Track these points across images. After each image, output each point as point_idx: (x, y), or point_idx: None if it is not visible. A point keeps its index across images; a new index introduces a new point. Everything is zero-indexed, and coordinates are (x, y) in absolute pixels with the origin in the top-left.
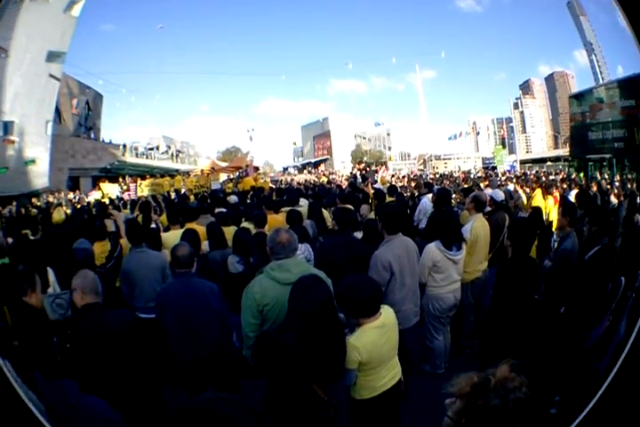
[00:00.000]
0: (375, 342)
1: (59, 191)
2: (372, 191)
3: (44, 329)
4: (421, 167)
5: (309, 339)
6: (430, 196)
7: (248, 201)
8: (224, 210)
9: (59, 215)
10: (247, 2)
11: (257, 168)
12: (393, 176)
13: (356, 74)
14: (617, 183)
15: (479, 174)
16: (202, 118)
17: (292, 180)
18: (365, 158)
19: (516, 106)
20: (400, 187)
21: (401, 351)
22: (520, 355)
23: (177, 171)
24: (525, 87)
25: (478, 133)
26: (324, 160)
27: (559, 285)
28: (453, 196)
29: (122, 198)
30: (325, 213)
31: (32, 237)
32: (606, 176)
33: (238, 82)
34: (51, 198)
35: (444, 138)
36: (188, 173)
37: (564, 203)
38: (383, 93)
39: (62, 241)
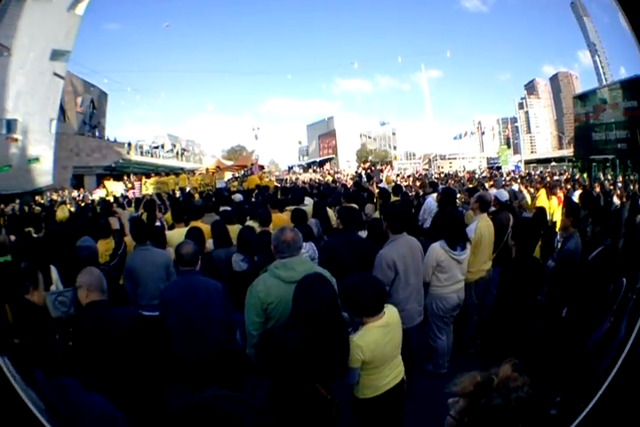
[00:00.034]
0: (378, 341)
1: (63, 189)
2: (376, 190)
3: (46, 327)
4: (426, 167)
5: (313, 338)
6: (435, 195)
7: (253, 200)
8: (229, 208)
9: (62, 213)
10: (253, 1)
11: (262, 167)
12: (398, 175)
13: (362, 73)
14: (619, 184)
15: (484, 174)
16: (207, 117)
17: (296, 179)
18: (370, 158)
19: (520, 106)
20: (405, 186)
21: (404, 351)
22: (523, 355)
23: (182, 169)
24: (530, 87)
25: (483, 133)
26: (330, 159)
27: (562, 285)
28: (458, 195)
29: (126, 196)
30: (330, 211)
31: (35, 235)
32: (609, 177)
33: (244, 81)
34: (54, 196)
35: (450, 137)
36: (193, 172)
37: (567, 203)
38: (388, 93)
39: (65, 239)
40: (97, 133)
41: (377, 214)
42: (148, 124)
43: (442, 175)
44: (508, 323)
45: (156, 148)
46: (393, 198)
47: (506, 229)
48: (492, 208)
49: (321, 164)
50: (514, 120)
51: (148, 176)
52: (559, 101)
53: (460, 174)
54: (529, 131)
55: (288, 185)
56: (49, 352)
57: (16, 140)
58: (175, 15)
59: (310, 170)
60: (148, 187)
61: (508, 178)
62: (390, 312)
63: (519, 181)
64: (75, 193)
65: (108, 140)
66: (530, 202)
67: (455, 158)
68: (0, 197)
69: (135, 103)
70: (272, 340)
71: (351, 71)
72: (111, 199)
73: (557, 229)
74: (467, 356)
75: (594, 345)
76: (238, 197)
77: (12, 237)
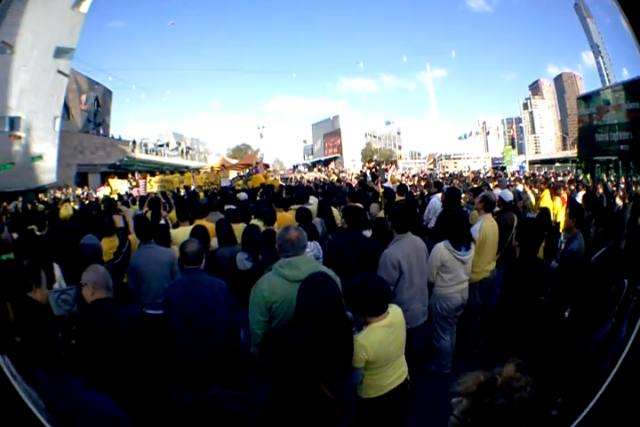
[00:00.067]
0: (382, 340)
1: (66, 187)
2: (381, 190)
3: (48, 325)
4: (431, 166)
5: (317, 337)
6: (440, 195)
7: (257, 198)
8: (233, 207)
9: (66, 211)
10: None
11: (267, 166)
12: (403, 175)
13: (367, 72)
14: (622, 185)
15: (489, 174)
16: (212, 115)
17: (301, 177)
18: (375, 157)
19: (525, 106)
20: (410, 186)
21: (408, 351)
22: (526, 356)
23: (187, 168)
24: (535, 88)
25: (488, 133)
26: (335, 158)
27: (565, 286)
28: (463, 195)
29: (131, 195)
30: (335, 211)
31: (38, 233)
32: (612, 178)
33: (249, 79)
34: (58, 194)
35: (454, 137)
36: (197, 170)
37: (571, 204)
38: (394, 92)
39: (69, 237)
40: (101, 131)
41: (382, 214)
42: (152, 123)
43: (447, 175)
44: (511, 323)
45: (161, 146)
46: (398, 198)
47: (510, 229)
48: (497, 208)
49: (326, 163)
50: (518, 120)
51: (153, 174)
52: (563, 102)
53: (465, 174)
54: (533, 131)
55: (293, 184)
56: (51, 350)
57: (19, 137)
58: (180, 13)
59: (315, 169)
60: (152, 185)
61: (512, 178)
62: (394, 312)
63: (523, 181)
64: (79, 191)
65: (112, 138)
66: (534, 202)
67: (460, 158)
68: (3, 195)
69: (140, 101)
70: (276, 339)
71: (356, 70)
72: (115, 197)
73: (561, 230)
74: (470, 356)
75: (595, 346)
76: (243, 195)
77: (15, 235)
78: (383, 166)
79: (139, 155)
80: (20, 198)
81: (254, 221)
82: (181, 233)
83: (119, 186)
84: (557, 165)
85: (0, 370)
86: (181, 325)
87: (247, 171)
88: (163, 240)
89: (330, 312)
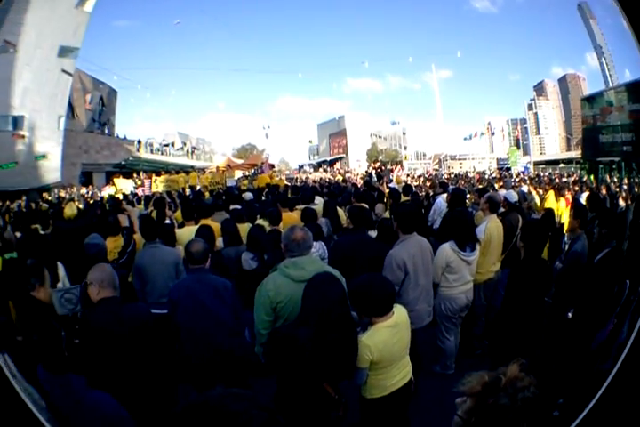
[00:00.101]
0: (387, 341)
1: (71, 186)
2: (387, 190)
3: (51, 324)
4: (437, 167)
5: (322, 337)
6: (445, 196)
7: (263, 198)
8: (239, 207)
9: (70, 210)
10: None
11: (272, 166)
12: (408, 175)
13: (373, 72)
14: (625, 186)
15: (494, 175)
16: (218, 115)
17: (307, 178)
18: (381, 157)
19: (530, 107)
20: (415, 186)
21: (412, 351)
22: (530, 356)
23: (192, 167)
24: (539, 88)
25: (493, 134)
26: (340, 158)
27: (569, 287)
28: (468, 196)
29: (136, 194)
30: (340, 211)
31: (42, 232)
32: (615, 179)
33: (255, 79)
34: (62, 193)
35: (460, 138)
36: (203, 170)
37: (575, 205)
38: (399, 92)
39: (73, 236)
40: (106, 131)
41: (387, 214)
42: (158, 122)
43: (452, 176)
44: (515, 324)
45: (167, 145)
46: (403, 198)
47: (515, 230)
48: (502, 209)
49: (331, 163)
50: (523, 121)
51: (158, 174)
52: (567, 103)
53: (470, 175)
54: (538, 132)
55: (298, 184)
56: (54, 349)
57: (23, 136)
58: (186, 13)
59: (321, 169)
60: (157, 185)
61: (517, 179)
62: (399, 312)
63: (528, 182)
64: (83, 190)
65: (117, 137)
66: (539, 203)
67: (465, 159)
68: (6, 194)
69: (145, 101)
70: (281, 339)
71: (362, 70)
72: (120, 197)
73: (565, 231)
74: (474, 357)
75: (597, 347)
76: (248, 195)
77: (18, 234)
78: (388, 167)
79: (144, 154)
80: (24, 197)
81: (260, 221)
82: (187, 233)
83: (124, 185)
84: (562, 165)
85: (0, 370)
86: (186, 324)
87: (253, 171)
88: (168, 240)
89: (335, 312)
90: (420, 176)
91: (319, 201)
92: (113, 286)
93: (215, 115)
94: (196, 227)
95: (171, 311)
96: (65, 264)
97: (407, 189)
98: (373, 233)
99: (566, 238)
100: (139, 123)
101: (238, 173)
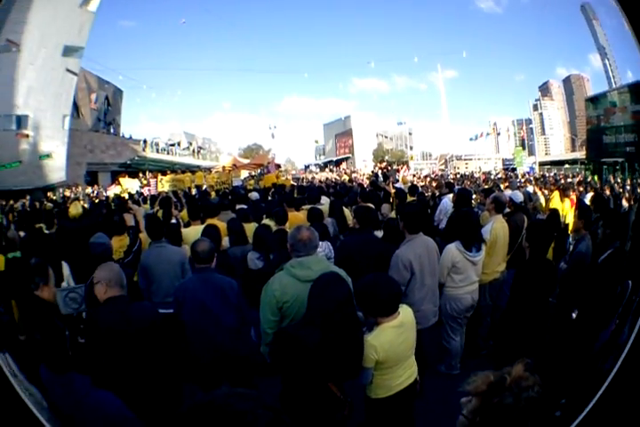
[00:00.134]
0: (392, 341)
1: (76, 186)
2: (393, 190)
3: (55, 323)
4: (443, 167)
5: (328, 337)
6: (451, 196)
7: (269, 198)
8: (245, 207)
9: (75, 209)
10: None
11: (278, 165)
12: (414, 176)
13: (378, 72)
14: (628, 187)
15: (499, 175)
16: (224, 115)
17: (313, 178)
18: (387, 157)
19: (535, 107)
20: (421, 186)
21: (418, 351)
22: (534, 357)
23: (198, 167)
24: (544, 89)
25: (499, 134)
26: (346, 158)
27: (573, 287)
28: (474, 196)
29: (141, 193)
30: (346, 211)
31: (47, 231)
32: (619, 180)
33: (261, 79)
34: (67, 193)
35: (466, 138)
36: (209, 170)
37: (579, 206)
38: (405, 92)
39: (78, 235)
40: (112, 130)
41: (393, 214)
42: (163, 122)
43: (458, 176)
44: (520, 325)
45: (172, 145)
46: (409, 198)
47: (520, 230)
48: (507, 210)
49: (337, 163)
50: (529, 122)
51: (164, 173)
52: (572, 103)
53: (476, 175)
54: (543, 132)
55: (304, 184)
56: (58, 349)
57: (27, 136)
58: (191, 12)
59: (327, 169)
60: (163, 184)
61: (522, 179)
62: (405, 312)
63: (534, 182)
64: (89, 190)
65: (123, 137)
66: (544, 204)
67: (471, 159)
68: (10, 193)
69: (151, 100)
70: (287, 338)
71: (368, 70)
72: (126, 196)
73: (570, 232)
74: (479, 357)
75: (600, 347)
76: (255, 195)
77: (22, 234)
78: (395, 167)
79: (150, 154)
80: (28, 197)
81: (266, 221)
82: (193, 232)
83: (130, 185)
84: (566, 166)
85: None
86: (192, 324)
87: (259, 171)
88: (174, 239)
89: (341, 312)
90: (426, 176)
91: (325, 201)
92: (120, 285)
93: (221, 115)
94: (202, 226)
95: (176, 311)
96: (70, 263)
97: (413, 189)
98: (379, 233)
99: (571, 239)
100: (144, 122)
101: (244, 173)
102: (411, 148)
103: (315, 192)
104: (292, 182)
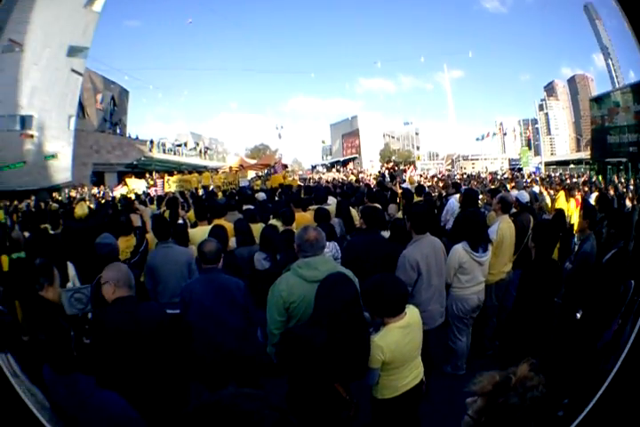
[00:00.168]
0: (399, 341)
1: (82, 186)
2: (400, 191)
3: (60, 323)
4: (449, 167)
5: (334, 337)
6: (458, 196)
7: (276, 198)
8: (252, 207)
9: (81, 210)
10: None
11: (285, 166)
12: (421, 176)
13: (385, 72)
14: (631, 187)
15: (506, 175)
16: (230, 115)
17: (320, 178)
18: (394, 157)
19: (540, 107)
20: (428, 187)
21: (424, 352)
22: (539, 357)
23: (205, 167)
24: (549, 89)
25: (505, 134)
26: (353, 159)
27: (578, 287)
28: (480, 196)
29: (148, 194)
30: (353, 211)
31: (52, 232)
32: (622, 180)
33: (267, 79)
34: (73, 193)
35: (472, 138)
36: (216, 170)
37: (584, 206)
38: (412, 92)
39: (84, 235)
40: (118, 131)
41: (400, 214)
42: (170, 122)
43: (464, 176)
44: (526, 325)
45: (179, 146)
46: (416, 199)
47: (526, 230)
48: (513, 210)
49: (344, 163)
50: (534, 122)
51: (171, 174)
52: (577, 103)
53: (483, 175)
54: (549, 132)
55: (311, 184)
56: (63, 349)
57: (31, 136)
58: (197, 12)
59: (334, 169)
60: (170, 184)
61: (528, 180)
62: (411, 313)
63: (540, 182)
64: (95, 190)
65: (129, 137)
66: (550, 204)
67: (478, 159)
68: (15, 194)
69: (157, 101)
70: (293, 339)
71: (374, 70)
72: (133, 196)
73: (575, 232)
74: (485, 357)
75: (603, 346)
76: (261, 195)
77: (26, 234)
78: (401, 167)
79: (156, 154)
80: (33, 197)
81: (273, 221)
82: (200, 233)
83: (136, 185)
84: (572, 166)
85: (0, 369)
86: (198, 324)
87: (266, 171)
88: (181, 240)
89: (347, 313)
90: (432, 176)
91: (332, 201)
92: (128, 286)
93: (228, 115)
94: (209, 227)
95: (183, 311)
96: (76, 264)
97: (420, 189)
98: (386, 233)
99: (576, 239)
100: (151, 123)
101: (251, 173)
102: (417, 148)
103: (322, 192)
104: (298, 183)
